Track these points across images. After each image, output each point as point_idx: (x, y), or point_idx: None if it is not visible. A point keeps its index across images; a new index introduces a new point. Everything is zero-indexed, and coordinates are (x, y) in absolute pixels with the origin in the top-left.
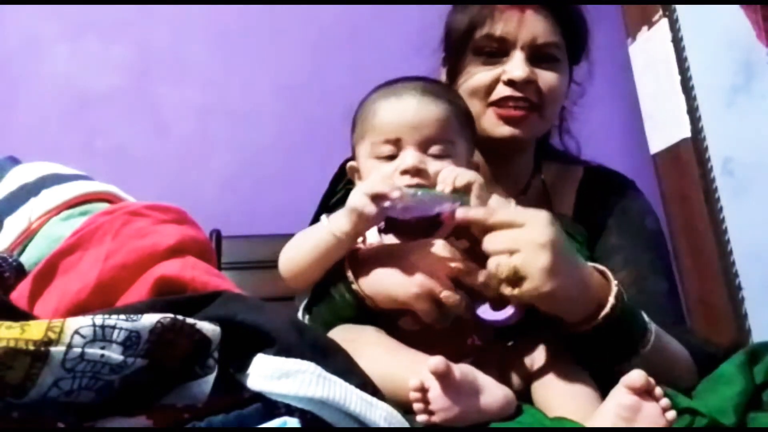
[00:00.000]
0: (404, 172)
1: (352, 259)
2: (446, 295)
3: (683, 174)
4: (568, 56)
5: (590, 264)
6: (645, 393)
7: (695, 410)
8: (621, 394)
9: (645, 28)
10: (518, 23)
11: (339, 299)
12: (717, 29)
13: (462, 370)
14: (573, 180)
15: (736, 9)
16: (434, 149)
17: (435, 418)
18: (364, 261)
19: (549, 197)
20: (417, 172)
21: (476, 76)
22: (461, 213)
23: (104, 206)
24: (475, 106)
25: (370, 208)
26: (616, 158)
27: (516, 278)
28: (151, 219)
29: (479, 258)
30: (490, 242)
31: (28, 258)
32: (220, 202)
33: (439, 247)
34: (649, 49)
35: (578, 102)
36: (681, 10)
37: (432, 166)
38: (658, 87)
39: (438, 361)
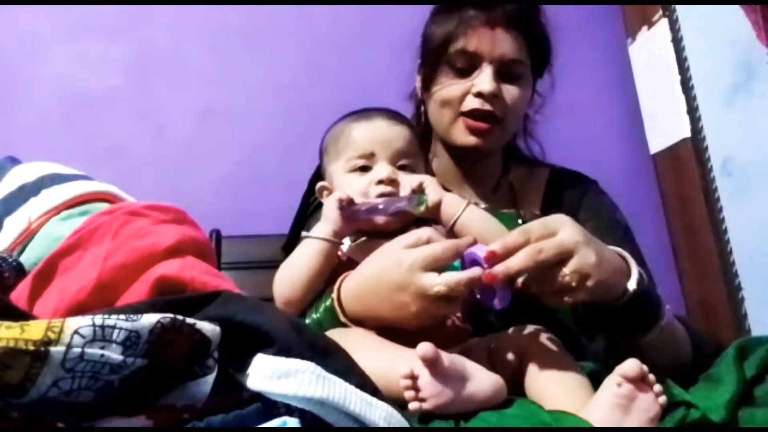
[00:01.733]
0: (379, 182)
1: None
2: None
3: (683, 174)
4: (533, 71)
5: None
6: (639, 381)
7: (690, 403)
8: (616, 383)
9: (645, 28)
10: (489, 40)
11: (324, 320)
12: (717, 29)
13: (450, 357)
14: (540, 180)
15: (736, 9)
16: (402, 162)
17: (426, 405)
18: (349, 290)
19: (516, 196)
20: (390, 181)
21: (448, 87)
22: (498, 247)
23: (104, 206)
24: (446, 115)
25: (337, 215)
26: (616, 158)
27: (579, 279)
28: (150, 219)
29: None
30: (534, 256)
31: (27, 258)
32: (220, 202)
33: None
34: (649, 49)
35: (540, 111)
36: (681, 10)
37: (402, 178)
38: (658, 87)
39: (426, 347)
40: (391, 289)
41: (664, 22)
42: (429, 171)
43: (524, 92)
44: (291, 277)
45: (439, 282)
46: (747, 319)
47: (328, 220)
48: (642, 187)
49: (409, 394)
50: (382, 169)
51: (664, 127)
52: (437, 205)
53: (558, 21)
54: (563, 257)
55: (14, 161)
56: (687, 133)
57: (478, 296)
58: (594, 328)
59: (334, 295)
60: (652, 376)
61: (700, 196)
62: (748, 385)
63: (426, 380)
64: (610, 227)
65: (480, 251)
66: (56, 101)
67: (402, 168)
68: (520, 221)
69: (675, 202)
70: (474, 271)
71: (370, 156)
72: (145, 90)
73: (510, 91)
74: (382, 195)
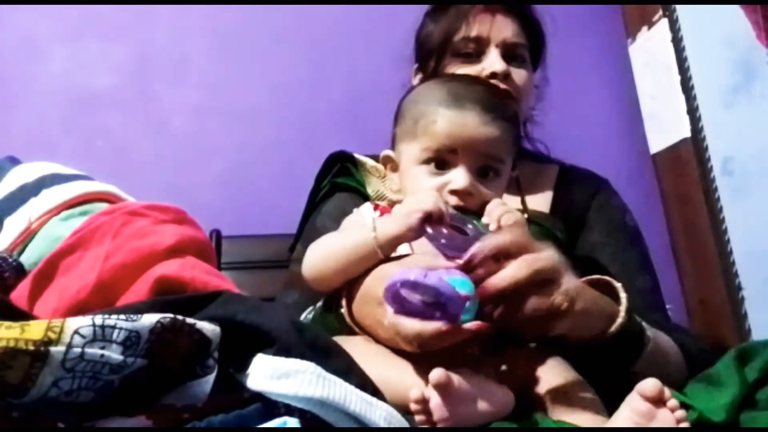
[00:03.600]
0: (453, 192)
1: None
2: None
3: (683, 174)
4: (532, 58)
5: (596, 276)
6: (658, 401)
7: (688, 405)
8: (635, 401)
9: (645, 28)
10: (490, 24)
11: (330, 322)
12: (717, 29)
13: (460, 378)
14: (549, 178)
15: (735, 9)
16: (486, 168)
17: (438, 426)
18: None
19: (522, 194)
20: (466, 194)
21: (461, 72)
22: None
23: (104, 206)
24: None
25: (416, 226)
26: (616, 158)
27: (571, 304)
28: (150, 219)
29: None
30: (524, 268)
31: (28, 258)
32: (220, 202)
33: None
34: (649, 49)
35: (536, 106)
36: (681, 10)
37: (481, 190)
38: (658, 87)
39: (439, 374)
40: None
41: (664, 22)
42: (516, 177)
43: (529, 74)
44: (326, 256)
45: (407, 326)
46: (747, 319)
47: (404, 225)
48: (642, 187)
49: (419, 418)
50: (460, 178)
51: (664, 127)
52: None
53: (558, 21)
54: (554, 276)
55: (14, 161)
56: (687, 133)
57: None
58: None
59: (344, 303)
60: (668, 393)
61: (700, 196)
62: (751, 389)
63: (436, 403)
64: (618, 231)
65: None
66: (56, 101)
67: (485, 172)
68: (525, 215)
69: (675, 202)
70: (436, 325)
71: (450, 154)
72: (145, 90)
73: (518, 72)
74: (455, 207)
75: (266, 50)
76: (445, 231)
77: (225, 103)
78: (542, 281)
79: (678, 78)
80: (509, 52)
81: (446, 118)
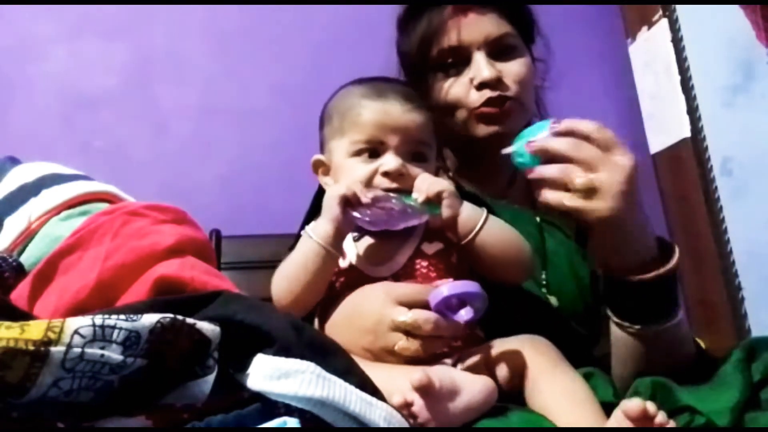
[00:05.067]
0: (385, 174)
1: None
2: (402, 346)
3: (683, 174)
4: (524, 38)
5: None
6: (644, 419)
7: (695, 409)
8: (620, 421)
9: (645, 28)
10: (465, 27)
11: None
12: (717, 29)
13: (439, 376)
14: None
15: (735, 9)
16: (414, 152)
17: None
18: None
19: (532, 192)
20: (398, 175)
21: (446, 90)
22: (563, 126)
23: (104, 206)
24: (458, 116)
25: (338, 213)
26: None
27: (588, 191)
28: (150, 219)
29: (450, 262)
30: (573, 148)
31: (27, 258)
32: (220, 202)
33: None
34: (649, 49)
35: (546, 77)
36: (681, 10)
37: (412, 170)
38: (657, 87)
39: (419, 377)
40: (364, 320)
41: (664, 22)
42: (443, 166)
43: (525, 61)
44: (288, 279)
45: (406, 316)
46: (747, 319)
47: (329, 217)
48: (642, 187)
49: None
50: (391, 160)
51: (664, 127)
52: (453, 221)
53: (557, 21)
54: (594, 166)
55: (14, 161)
56: (687, 133)
57: (457, 318)
58: (611, 304)
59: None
60: (653, 410)
61: (700, 196)
62: (755, 389)
63: (420, 406)
64: None
65: (412, 223)
66: (56, 101)
67: (413, 157)
68: (537, 219)
69: (675, 202)
70: (435, 317)
71: (379, 143)
72: (144, 90)
73: (511, 68)
74: (388, 190)
75: (266, 50)
76: (368, 211)
77: (225, 103)
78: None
79: (678, 78)
80: (496, 49)
81: (371, 109)
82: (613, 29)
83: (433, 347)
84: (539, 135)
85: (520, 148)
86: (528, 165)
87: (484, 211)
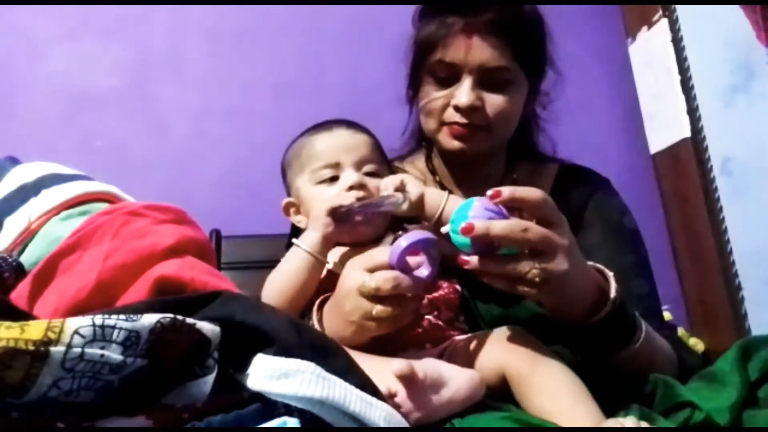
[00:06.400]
0: (350, 188)
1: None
2: (378, 310)
3: (683, 174)
4: (527, 73)
5: (591, 264)
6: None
7: (695, 404)
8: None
9: (645, 28)
10: (466, 49)
11: None
12: (717, 29)
13: (423, 366)
14: (547, 176)
15: (735, 9)
16: (368, 168)
17: (410, 419)
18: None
19: None
20: (361, 186)
21: (430, 98)
22: (507, 193)
23: (104, 206)
24: (430, 123)
25: (327, 222)
26: (616, 158)
27: (542, 283)
28: (150, 219)
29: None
30: (520, 234)
31: (27, 258)
32: (220, 202)
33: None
34: (649, 49)
35: (548, 108)
36: (681, 10)
37: (370, 182)
38: (658, 87)
39: (401, 365)
40: (341, 297)
41: (664, 22)
42: (431, 170)
43: (512, 98)
44: (278, 288)
45: (368, 279)
46: (747, 319)
47: (318, 225)
48: (642, 187)
49: None
50: (350, 175)
51: (664, 127)
52: (420, 201)
53: (557, 21)
54: (542, 250)
55: (14, 161)
56: (687, 133)
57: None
58: (572, 347)
59: (315, 317)
60: (632, 423)
61: (700, 196)
62: (753, 387)
63: (403, 396)
64: (614, 232)
65: (394, 201)
66: (56, 101)
67: (368, 175)
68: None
69: (675, 202)
70: (395, 275)
71: (336, 165)
72: (144, 90)
73: (494, 100)
74: (357, 200)
75: (265, 50)
76: (353, 210)
77: (224, 102)
78: (538, 250)
79: (678, 78)
80: (488, 78)
81: (322, 139)
82: (613, 29)
83: (407, 308)
84: (470, 214)
85: (455, 230)
86: (467, 247)
87: (446, 192)
